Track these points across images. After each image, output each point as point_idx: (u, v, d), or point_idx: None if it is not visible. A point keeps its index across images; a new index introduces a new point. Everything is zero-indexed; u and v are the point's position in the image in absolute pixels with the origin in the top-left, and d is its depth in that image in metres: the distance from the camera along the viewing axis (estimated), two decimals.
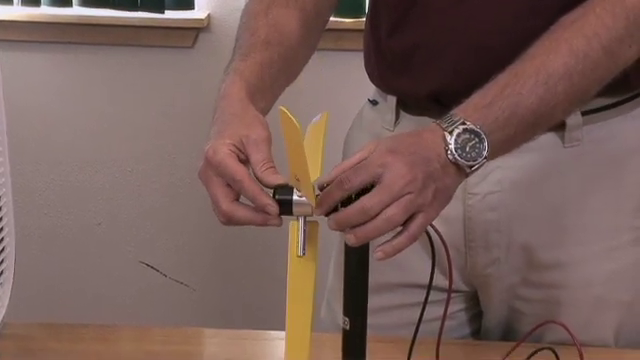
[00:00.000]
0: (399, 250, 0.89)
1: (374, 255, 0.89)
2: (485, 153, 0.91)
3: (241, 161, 0.93)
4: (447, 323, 1.17)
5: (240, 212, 0.92)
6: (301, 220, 0.89)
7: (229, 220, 0.92)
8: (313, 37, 1.15)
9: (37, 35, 2.32)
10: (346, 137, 1.28)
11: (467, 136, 0.91)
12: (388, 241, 0.89)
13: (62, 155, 2.40)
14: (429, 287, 0.93)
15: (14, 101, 2.29)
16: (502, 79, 0.95)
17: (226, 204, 0.92)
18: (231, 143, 0.93)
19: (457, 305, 1.21)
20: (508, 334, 1.20)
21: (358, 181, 0.87)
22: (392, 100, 1.18)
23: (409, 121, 1.16)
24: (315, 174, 0.89)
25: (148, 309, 2.47)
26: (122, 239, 2.45)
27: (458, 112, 0.93)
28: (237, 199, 0.92)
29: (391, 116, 1.18)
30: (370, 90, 1.25)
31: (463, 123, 0.91)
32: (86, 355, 1.13)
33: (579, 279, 1.14)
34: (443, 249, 0.92)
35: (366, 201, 0.87)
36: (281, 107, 0.83)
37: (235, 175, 0.91)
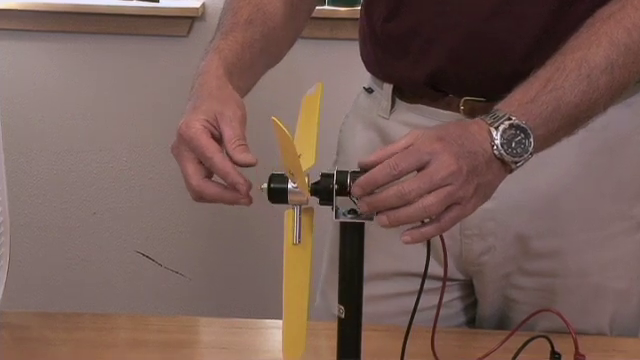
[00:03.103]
0: (426, 238, 0.89)
1: (401, 238, 0.88)
2: (531, 149, 0.91)
3: (214, 137, 0.92)
4: (443, 311, 1.17)
5: (210, 189, 0.91)
6: (297, 209, 0.89)
7: (199, 197, 0.92)
8: (298, 18, 1.14)
9: (31, 24, 2.31)
10: (341, 125, 1.28)
11: (513, 132, 0.90)
12: (417, 227, 0.88)
13: (56, 144, 2.40)
14: (424, 276, 0.93)
15: (8, 91, 2.30)
16: (544, 73, 0.95)
17: (196, 180, 0.91)
18: (204, 119, 0.92)
19: (452, 294, 1.21)
20: (503, 323, 1.20)
21: (406, 166, 0.86)
22: (388, 88, 1.17)
23: (405, 109, 1.16)
24: (311, 152, 0.89)
25: (144, 298, 2.47)
26: (117, 229, 2.45)
27: (502, 107, 0.93)
28: (209, 176, 0.92)
29: (387, 104, 1.17)
30: (366, 79, 1.24)
31: (509, 119, 0.91)
32: (81, 344, 1.13)
33: (574, 268, 1.15)
34: (439, 238, 0.91)
35: (405, 185, 0.86)
36: (273, 117, 0.82)
37: (206, 151, 0.90)
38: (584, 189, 1.12)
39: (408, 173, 0.87)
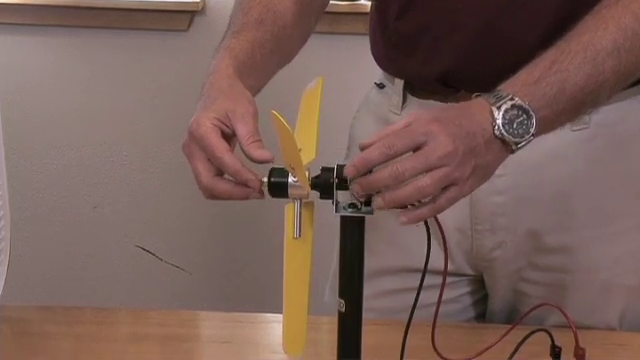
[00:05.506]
0: (422, 219, 0.88)
1: (398, 219, 0.88)
2: (533, 130, 0.90)
3: (226, 135, 0.92)
4: (452, 306, 1.17)
5: (221, 187, 0.91)
6: (297, 203, 0.89)
7: (210, 195, 0.92)
8: (309, 18, 1.14)
9: (30, 18, 2.31)
10: (353, 120, 1.28)
11: (515, 112, 0.89)
12: (412, 209, 0.88)
13: (56, 139, 2.40)
14: (424, 270, 0.93)
15: (8, 85, 2.30)
16: (549, 55, 0.94)
17: (206, 178, 0.91)
18: (215, 117, 0.92)
19: (462, 289, 1.21)
20: (513, 317, 1.19)
21: (401, 146, 0.86)
22: (399, 83, 1.17)
23: (416, 104, 1.16)
24: (311, 146, 0.89)
25: (144, 293, 2.47)
26: (118, 223, 2.45)
27: (505, 88, 0.92)
28: (219, 174, 0.92)
29: (398, 99, 1.17)
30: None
31: (511, 99, 0.90)
32: (82, 338, 1.13)
33: (585, 263, 1.15)
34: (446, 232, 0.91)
35: (399, 165, 0.85)
36: (273, 111, 0.82)
37: (215, 150, 0.90)
38: (594, 184, 1.12)
39: (403, 154, 0.86)
